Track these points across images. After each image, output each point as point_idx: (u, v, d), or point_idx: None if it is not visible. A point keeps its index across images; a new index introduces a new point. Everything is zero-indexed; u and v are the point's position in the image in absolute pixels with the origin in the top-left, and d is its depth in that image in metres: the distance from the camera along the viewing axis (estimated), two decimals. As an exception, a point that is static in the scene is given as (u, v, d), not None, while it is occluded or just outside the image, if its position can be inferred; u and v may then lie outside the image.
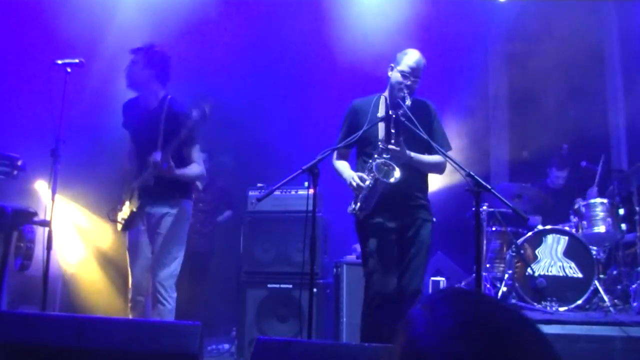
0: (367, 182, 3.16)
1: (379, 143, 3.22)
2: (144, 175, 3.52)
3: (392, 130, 3.17)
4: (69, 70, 3.43)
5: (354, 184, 3.19)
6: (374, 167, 3.13)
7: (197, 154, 3.60)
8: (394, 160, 3.14)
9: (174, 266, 3.54)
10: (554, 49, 5.60)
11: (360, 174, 3.24)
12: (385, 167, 3.12)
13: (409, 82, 3.31)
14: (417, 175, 3.36)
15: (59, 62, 3.43)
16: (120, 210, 3.65)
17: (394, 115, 3.21)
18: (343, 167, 3.46)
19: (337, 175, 3.47)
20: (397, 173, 3.10)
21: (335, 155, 3.48)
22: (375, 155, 3.17)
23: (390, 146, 3.13)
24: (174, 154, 3.43)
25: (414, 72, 3.34)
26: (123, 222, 3.60)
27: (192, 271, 5.18)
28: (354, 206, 3.25)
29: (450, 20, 5.46)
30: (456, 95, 5.32)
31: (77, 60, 3.47)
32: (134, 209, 3.55)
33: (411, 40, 4.46)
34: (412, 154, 3.22)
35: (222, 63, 5.26)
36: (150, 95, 3.62)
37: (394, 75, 3.38)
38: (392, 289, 3.24)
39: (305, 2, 5.46)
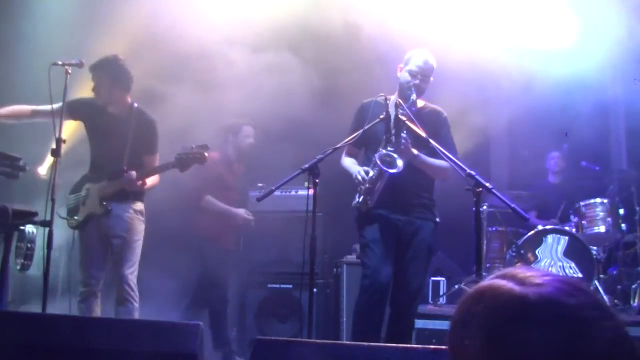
0: (371, 174, 3.21)
1: (384, 138, 3.25)
2: (106, 184, 3.67)
3: (393, 129, 3.19)
4: (69, 71, 3.45)
5: (359, 177, 3.24)
6: (377, 158, 3.16)
7: (157, 162, 3.81)
8: (397, 153, 3.17)
9: (137, 265, 3.71)
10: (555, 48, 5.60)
11: (365, 167, 3.29)
12: (389, 159, 3.15)
13: (417, 81, 3.36)
14: (422, 174, 3.38)
15: (59, 62, 3.45)
16: (75, 208, 3.76)
17: (394, 115, 3.23)
18: (350, 163, 3.51)
19: (345, 173, 3.50)
20: (399, 162, 3.13)
21: (344, 153, 3.54)
22: (380, 149, 3.20)
23: (403, 123, 3.18)
24: (137, 161, 3.70)
25: (422, 71, 3.39)
26: (75, 220, 3.74)
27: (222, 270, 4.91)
28: (357, 199, 3.29)
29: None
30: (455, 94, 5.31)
31: (76, 61, 3.50)
32: (91, 211, 3.69)
33: (410, 40, 4.46)
34: (417, 152, 3.24)
35: (221, 62, 5.25)
36: (119, 104, 3.77)
37: (403, 75, 3.44)
38: (387, 281, 3.25)
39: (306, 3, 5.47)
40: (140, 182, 3.62)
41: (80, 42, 4.57)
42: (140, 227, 3.76)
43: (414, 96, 3.29)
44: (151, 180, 3.75)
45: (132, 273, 3.65)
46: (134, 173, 3.58)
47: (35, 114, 3.79)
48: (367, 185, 3.22)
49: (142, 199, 3.82)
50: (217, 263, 4.62)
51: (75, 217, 3.74)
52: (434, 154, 3.29)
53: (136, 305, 3.61)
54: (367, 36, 4.99)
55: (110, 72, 3.68)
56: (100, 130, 3.79)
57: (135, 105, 3.81)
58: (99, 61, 3.68)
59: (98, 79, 3.69)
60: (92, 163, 3.84)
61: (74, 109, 3.69)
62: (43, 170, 4.15)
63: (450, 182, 3.52)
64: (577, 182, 5.75)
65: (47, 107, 3.63)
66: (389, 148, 3.19)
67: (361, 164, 3.47)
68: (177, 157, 3.54)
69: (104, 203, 3.65)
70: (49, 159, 3.76)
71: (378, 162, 3.15)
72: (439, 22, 5.22)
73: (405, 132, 3.19)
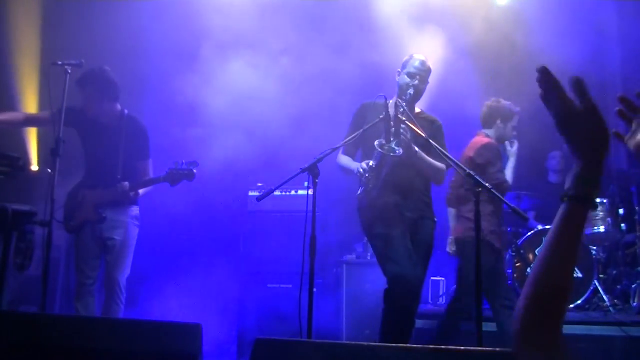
0: (371, 164, 3.26)
1: (384, 136, 3.27)
2: (101, 192, 3.75)
3: (392, 129, 3.21)
4: (69, 71, 3.47)
5: (361, 169, 3.28)
6: (377, 145, 3.20)
7: (151, 166, 3.92)
8: (396, 143, 3.20)
9: (129, 268, 3.81)
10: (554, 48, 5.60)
11: (366, 161, 3.34)
12: (387, 147, 3.20)
13: (416, 82, 3.43)
14: (420, 173, 3.41)
15: (59, 62, 3.46)
16: (71, 213, 3.82)
17: (393, 115, 3.26)
18: (348, 161, 3.54)
19: (343, 172, 3.51)
20: (397, 147, 3.17)
21: (341, 152, 3.55)
22: (383, 140, 3.24)
23: (403, 122, 3.20)
24: (130, 168, 3.79)
25: (420, 72, 3.47)
26: (71, 225, 3.81)
27: None
28: (361, 189, 3.34)
29: (449, 20, 5.45)
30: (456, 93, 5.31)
31: (77, 61, 3.51)
32: (86, 217, 3.76)
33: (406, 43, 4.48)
34: (417, 149, 3.27)
35: (220, 63, 5.26)
36: (110, 114, 3.84)
37: (402, 78, 3.51)
38: (418, 278, 3.24)
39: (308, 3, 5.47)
40: (133, 193, 3.74)
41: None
42: (134, 232, 3.85)
43: (411, 90, 3.38)
44: (143, 190, 3.84)
45: (123, 277, 3.75)
46: (127, 184, 3.69)
47: (28, 121, 3.85)
48: (370, 174, 3.26)
49: (137, 203, 3.90)
50: None
51: (72, 222, 3.81)
52: (431, 156, 3.34)
53: (122, 307, 3.73)
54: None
55: (97, 85, 3.73)
56: (93, 138, 3.86)
57: (126, 112, 3.88)
58: (85, 75, 3.71)
59: (86, 93, 3.75)
60: (87, 169, 3.91)
61: (66, 117, 3.70)
62: (35, 166, 4.19)
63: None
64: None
65: (41, 113, 3.70)
66: (392, 139, 3.22)
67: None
68: (169, 172, 3.67)
69: (99, 211, 3.75)
70: (35, 154, 3.80)
71: (378, 148, 3.19)
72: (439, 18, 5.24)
73: (404, 126, 3.23)
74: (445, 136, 3.63)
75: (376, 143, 3.20)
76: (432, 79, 3.61)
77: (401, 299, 3.16)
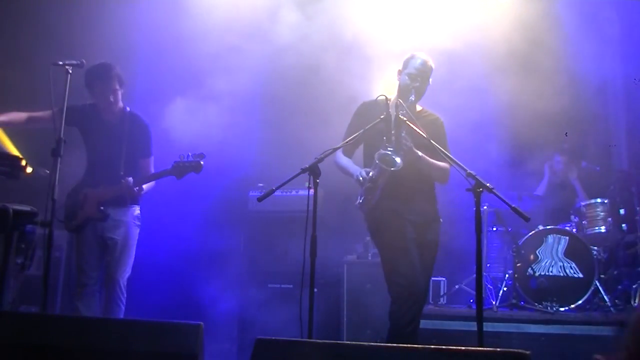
0: (371, 174, 3.23)
1: (384, 137, 3.26)
2: (104, 189, 3.73)
3: (393, 129, 3.21)
4: (69, 71, 3.46)
5: (360, 178, 3.26)
6: (376, 158, 3.19)
7: (152, 164, 3.91)
8: (396, 151, 3.19)
9: (130, 268, 3.78)
10: (555, 50, 5.60)
11: (366, 168, 3.32)
12: (388, 157, 3.18)
13: (417, 84, 3.40)
14: (424, 175, 3.41)
15: (59, 62, 3.45)
16: (72, 212, 3.80)
17: (394, 115, 3.25)
18: (348, 162, 3.51)
19: (341, 171, 3.50)
20: (397, 159, 3.16)
21: (340, 152, 3.53)
22: (381, 150, 3.22)
23: (404, 123, 3.19)
24: (132, 165, 3.78)
25: (421, 73, 3.43)
26: (72, 223, 3.80)
27: None
28: (360, 199, 3.32)
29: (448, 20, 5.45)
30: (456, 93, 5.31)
31: (77, 61, 3.51)
32: (88, 215, 3.74)
33: (408, 41, 4.48)
34: (421, 154, 3.26)
35: (221, 62, 5.25)
36: (113, 109, 3.83)
37: (402, 79, 3.48)
38: (425, 288, 3.28)
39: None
40: (137, 188, 3.71)
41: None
42: (135, 232, 3.84)
43: (412, 96, 3.35)
44: (147, 185, 3.81)
45: (124, 277, 3.74)
46: (131, 180, 3.67)
47: (31, 120, 3.83)
48: (368, 184, 3.24)
49: (138, 202, 3.89)
50: None
51: (73, 221, 3.80)
52: (433, 155, 3.32)
53: (123, 307, 3.71)
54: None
55: (105, 79, 3.74)
56: (95, 136, 3.85)
57: (128, 109, 3.88)
58: (92, 69, 3.72)
59: (91, 87, 3.76)
60: (88, 167, 3.90)
61: (68, 115, 3.71)
62: (29, 168, 4.18)
63: (451, 182, 3.53)
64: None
65: (43, 113, 3.68)
66: (389, 148, 3.20)
67: (363, 164, 3.49)
68: (175, 165, 3.63)
69: (102, 208, 3.73)
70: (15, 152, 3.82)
71: (377, 161, 3.18)
72: (437, 19, 5.24)
73: (404, 132, 3.21)
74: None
75: (376, 155, 3.19)
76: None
77: (404, 317, 3.14)
